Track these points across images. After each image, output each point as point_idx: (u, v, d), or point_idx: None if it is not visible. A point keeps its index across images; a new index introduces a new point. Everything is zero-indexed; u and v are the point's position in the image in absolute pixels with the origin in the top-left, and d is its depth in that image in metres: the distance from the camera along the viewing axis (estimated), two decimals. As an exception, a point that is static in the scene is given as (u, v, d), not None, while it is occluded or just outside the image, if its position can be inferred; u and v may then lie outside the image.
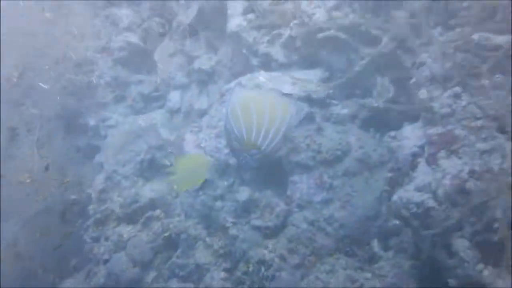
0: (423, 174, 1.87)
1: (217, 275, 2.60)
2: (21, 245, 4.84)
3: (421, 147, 1.98)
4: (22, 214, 4.71)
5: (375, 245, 2.03)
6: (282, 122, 1.66)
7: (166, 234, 3.34)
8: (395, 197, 1.91)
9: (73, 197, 4.59)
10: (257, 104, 1.62)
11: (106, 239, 3.48)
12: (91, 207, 3.67)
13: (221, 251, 2.67)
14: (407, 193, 1.85)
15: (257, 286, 2.36)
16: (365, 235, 2.17)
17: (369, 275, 1.98)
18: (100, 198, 3.68)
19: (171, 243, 3.37)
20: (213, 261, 2.73)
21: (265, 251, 2.43)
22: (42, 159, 3.71)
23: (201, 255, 2.82)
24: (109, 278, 3.27)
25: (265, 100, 1.63)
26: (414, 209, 1.80)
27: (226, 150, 2.59)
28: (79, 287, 3.88)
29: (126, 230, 3.47)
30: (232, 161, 2.62)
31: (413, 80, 2.14)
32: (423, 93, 1.97)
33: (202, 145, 2.66)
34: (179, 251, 3.27)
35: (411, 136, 2.05)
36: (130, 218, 3.53)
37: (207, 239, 2.83)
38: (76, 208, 4.59)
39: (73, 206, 4.61)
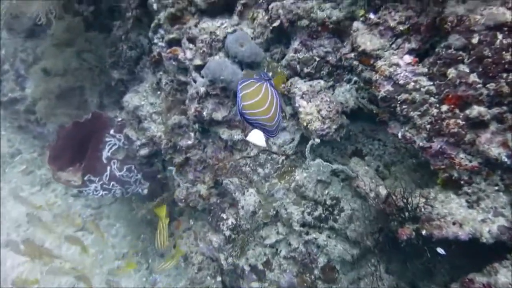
0: None
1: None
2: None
3: None
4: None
5: None
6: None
7: (275, 25, 2.51)
8: None
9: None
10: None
11: (191, 40, 2.61)
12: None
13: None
14: None
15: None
16: None
17: None
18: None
19: (282, 36, 2.59)
20: None
21: None
22: None
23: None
24: (212, 87, 2.59)
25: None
26: None
27: None
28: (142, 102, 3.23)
29: (215, 26, 2.58)
30: None
31: None
32: None
33: None
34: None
35: None
36: (212, 9, 2.59)
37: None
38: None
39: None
